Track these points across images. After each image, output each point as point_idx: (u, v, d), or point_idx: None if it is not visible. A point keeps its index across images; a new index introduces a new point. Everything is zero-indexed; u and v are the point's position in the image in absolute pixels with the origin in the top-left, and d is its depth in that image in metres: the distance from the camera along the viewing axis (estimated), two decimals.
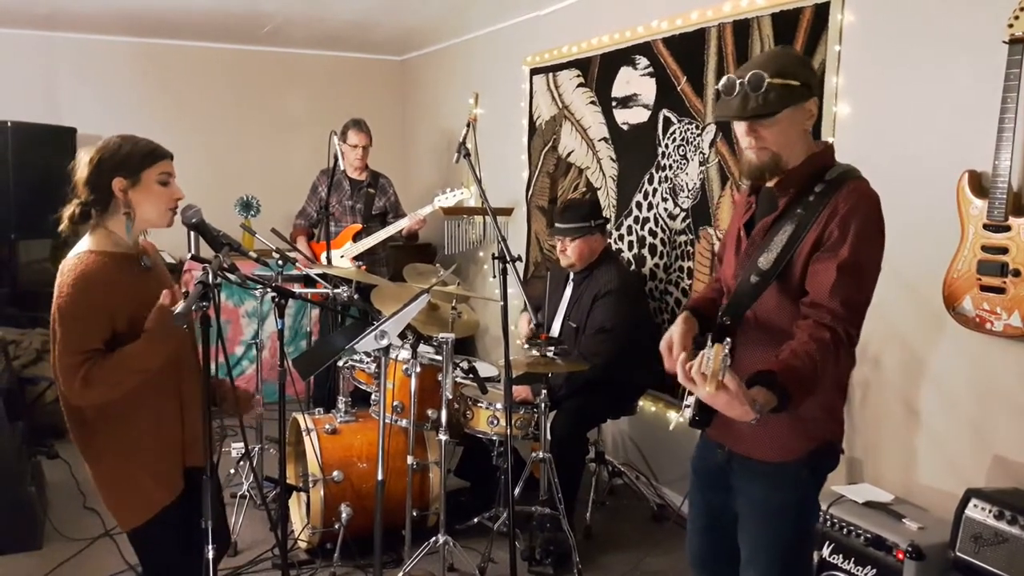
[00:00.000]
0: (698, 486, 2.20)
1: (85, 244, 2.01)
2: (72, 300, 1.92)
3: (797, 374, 1.72)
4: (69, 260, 1.97)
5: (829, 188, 1.86)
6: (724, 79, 1.85)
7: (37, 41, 5.70)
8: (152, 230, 2.17)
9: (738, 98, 1.82)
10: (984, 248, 2.44)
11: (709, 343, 1.78)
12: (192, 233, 2.14)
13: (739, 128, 1.89)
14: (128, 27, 5.55)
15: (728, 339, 1.71)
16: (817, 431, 1.96)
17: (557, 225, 3.67)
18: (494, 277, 5.19)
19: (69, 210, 2.04)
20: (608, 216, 4.28)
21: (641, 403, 3.93)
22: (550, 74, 4.79)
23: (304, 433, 3.41)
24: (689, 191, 3.79)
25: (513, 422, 3.29)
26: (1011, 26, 2.34)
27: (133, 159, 2.01)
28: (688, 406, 1.85)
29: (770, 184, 1.93)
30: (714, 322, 1.94)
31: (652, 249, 4.08)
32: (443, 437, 3.15)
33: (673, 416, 3.93)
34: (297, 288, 3.69)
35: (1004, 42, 2.36)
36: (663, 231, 3.99)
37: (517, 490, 3.28)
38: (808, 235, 1.84)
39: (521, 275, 4.74)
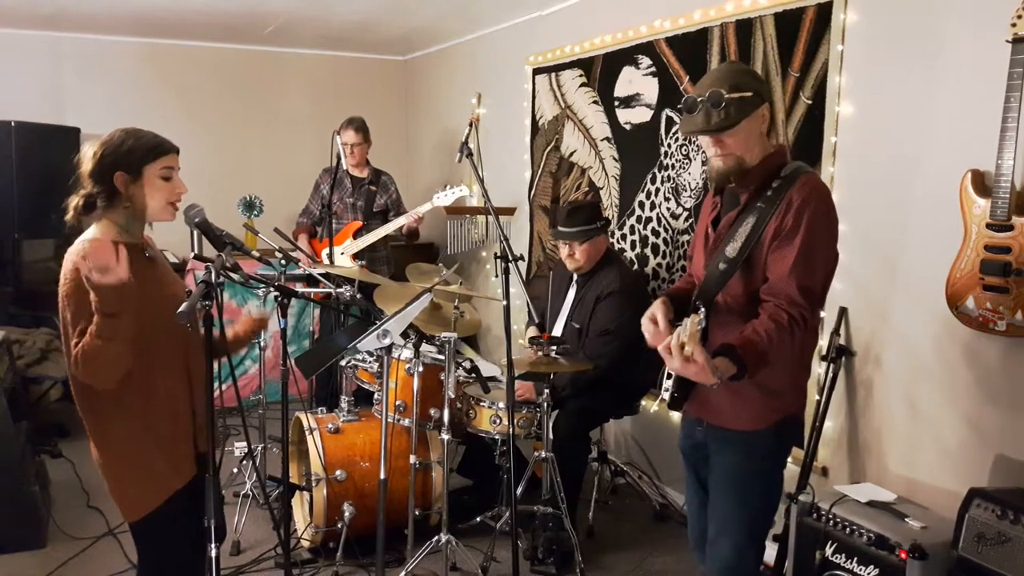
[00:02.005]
0: (688, 466, 2.37)
1: (90, 233, 2.02)
2: (75, 283, 1.91)
3: (754, 348, 1.96)
4: (74, 247, 1.97)
5: (784, 183, 2.07)
6: (685, 98, 2.07)
7: (41, 41, 5.72)
8: (155, 228, 2.18)
9: (701, 114, 2.04)
10: (987, 247, 2.44)
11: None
12: (195, 232, 2.14)
13: (704, 140, 2.11)
14: (132, 27, 5.56)
15: (702, 308, 2.01)
16: (784, 404, 2.17)
17: (563, 229, 3.63)
18: (496, 277, 5.20)
19: (75, 201, 2.05)
20: (610, 216, 4.28)
21: (644, 403, 3.92)
22: (553, 74, 4.79)
23: (307, 432, 3.42)
24: (691, 191, 3.79)
25: (516, 421, 3.29)
26: (1014, 25, 2.33)
27: (135, 154, 2.02)
28: (666, 389, 2.09)
29: (732, 183, 2.13)
30: (687, 308, 2.13)
31: (655, 249, 4.08)
32: (445, 436, 3.15)
33: (676, 415, 3.93)
34: (300, 287, 3.69)
35: (1007, 41, 2.35)
36: (665, 231, 3.99)
37: (519, 489, 3.28)
38: (768, 225, 2.05)
39: (523, 275, 4.74)
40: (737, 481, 2.17)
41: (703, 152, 3.70)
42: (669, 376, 2.10)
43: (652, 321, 2.12)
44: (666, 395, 2.11)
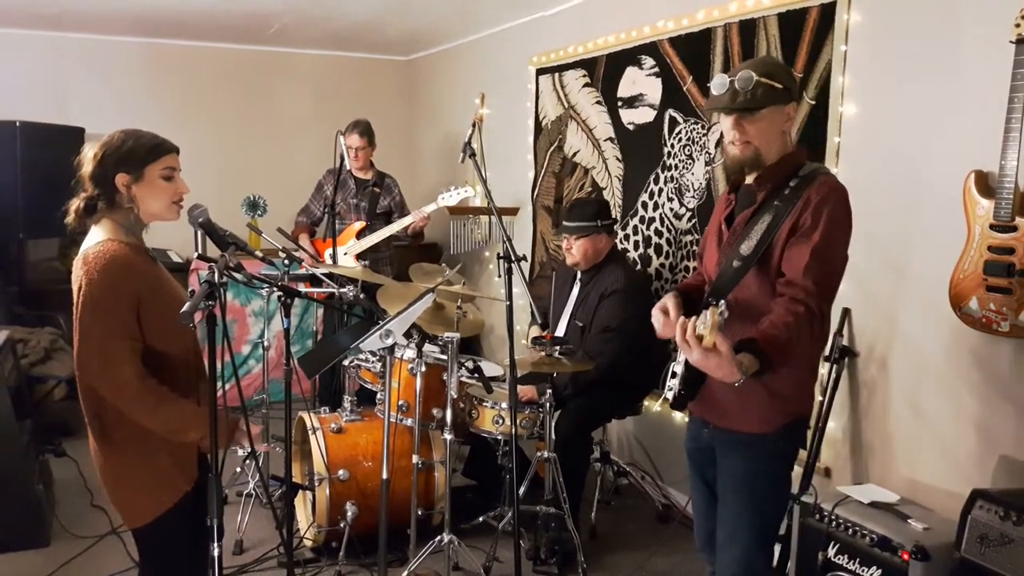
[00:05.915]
0: (694, 468, 2.35)
1: (101, 234, 2.01)
2: (106, 285, 1.93)
3: (776, 341, 1.92)
4: (92, 248, 1.97)
5: (803, 182, 2.07)
6: (716, 77, 2.06)
7: (45, 41, 5.73)
8: (159, 229, 2.18)
9: (728, 94, 2.03)
10: (990, 248, 2.44)
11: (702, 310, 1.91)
12: (199, 232, 2.15)
13: (725, 123, 2.09)
14: (136, 27, 5.57)
15: (723, 301, 1.93)
16: (792, 406, 2.15)
17: (564, 223, 3.68)
18: (499, 277, 5.21)
19: (76, 203, 2.05)
20: (615, 216, 4.28)
21: (646, 403, 3.92)
22: (556, 74, 4.79)
23: (310, 432, 3.42)
24: (695, 191, 3.79)
25: (518, 421, 3.29)
26: (1018, 26, 2.33)
27: (135, 155, 2.02)
28: (671, 388, 2.05)
29: (749, 181, 2.14)
30: (699, 306, 2.09)
31: (658, 249, 4.08)
32: (448, 436, 3.16)
33: (679, 416, 3.93)
34: (303, 287, 3.69)
35: (1011, 42, 2.35)
36: (669, 231, 3.99)
37: (522, 489, 3.28)
38: (785, 223, 2.04)
39: (526, 275, 4.75)
40: (746, 485, 2.15)
41: (707, 152, 3.71)
42: (674, 375, 2.06)
43: (663, 311, 2.10)
44: (669, 394, 2.06)
